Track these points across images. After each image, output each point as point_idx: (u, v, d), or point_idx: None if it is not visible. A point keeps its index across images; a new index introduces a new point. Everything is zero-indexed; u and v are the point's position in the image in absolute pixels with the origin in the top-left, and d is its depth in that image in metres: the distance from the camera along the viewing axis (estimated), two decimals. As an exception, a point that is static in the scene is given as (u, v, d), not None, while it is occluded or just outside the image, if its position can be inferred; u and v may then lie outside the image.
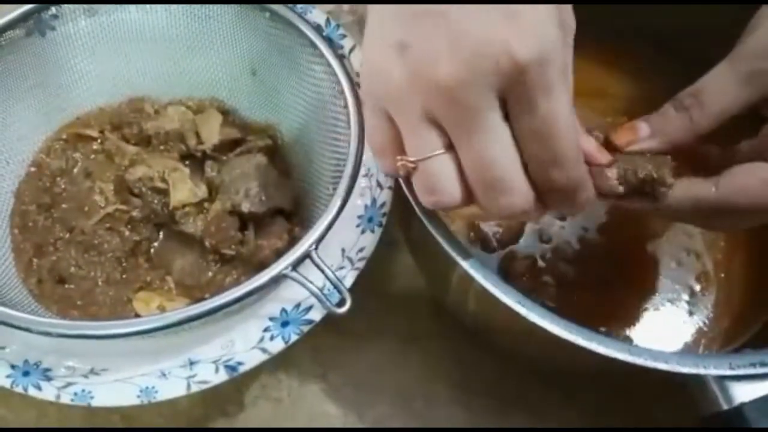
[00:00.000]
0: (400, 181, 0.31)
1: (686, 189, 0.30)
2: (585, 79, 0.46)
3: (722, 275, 0.41)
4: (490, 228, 0.41)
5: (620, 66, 0.46)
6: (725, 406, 0.29)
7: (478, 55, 0.25)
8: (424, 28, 0.26)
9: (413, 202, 0.30)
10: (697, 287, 0.41)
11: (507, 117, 0.26)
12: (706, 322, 0.40)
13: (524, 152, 0.27)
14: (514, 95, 0.25)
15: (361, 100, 0.29)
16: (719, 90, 0.31)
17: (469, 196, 0.28)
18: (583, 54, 0.46)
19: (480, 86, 0.25)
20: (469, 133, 0.26)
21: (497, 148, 0.26)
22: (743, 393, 0.29)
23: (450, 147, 0.27)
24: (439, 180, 0.27)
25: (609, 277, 0.41)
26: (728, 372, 0.29)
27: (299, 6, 0.42)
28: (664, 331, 0.40)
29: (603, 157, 0.30)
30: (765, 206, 0.29)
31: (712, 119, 0.31)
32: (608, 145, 0.32)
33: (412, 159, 0.27)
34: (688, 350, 0.40)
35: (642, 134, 0.32)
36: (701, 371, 0.29)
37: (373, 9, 0.28)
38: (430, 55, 0.25)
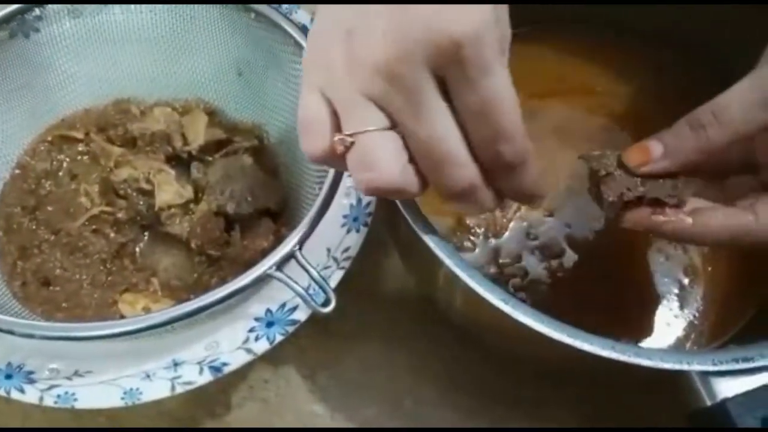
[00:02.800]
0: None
1: (725, 221, 0.30)
2: (574, 77, 0.47)
3: (709, 269, 0.41)
4: (475, 223, 0.41)
5: (608, 63, 0.46)
6: (709, 402, 0.29)
7: (413, 33, 0.25)
8: (367, 15, 0.26)
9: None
10: (686, 280, 0.41)
11: (447, 96, 0.26)
12: (696, 315, 0.40)
13: (468, 130, 0.27)
14: (452, 73, 0.25)
15: (301, 87, 0.28)
16: (741, 110, 0.30)
17: (411, 178, 0.27)
18: (571, 52, 0.46)
19: (416, 63, 0.25)
20: (411, 111, 0.26)
21: (442, 123, 0.26)
22: (726, 388, 0.29)
23: (390, 128, 0.26)
24: (376, 154, 0.26)
25: (598, 273, 0.41)
26: (711, 368, 0.29)
27: (284, 6, 0.42)
28: (657, 324, 0.40)
29: None
30: None
31: (728, 139, 0.30)
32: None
33: (349, 132, 0.27)
34: (681, 344, 0.40)
35: (655, 155, 0.31)
36: (684, 367, 0.29)
37: (321, 6, 0.28)
38: (370, 37, 0.26)
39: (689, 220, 0.30)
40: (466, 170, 0.27)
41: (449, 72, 0.25)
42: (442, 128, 0.26)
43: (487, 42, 0.25)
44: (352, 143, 0.27)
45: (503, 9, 0.27)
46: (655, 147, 0.31)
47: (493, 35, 0.25)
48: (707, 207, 0.31)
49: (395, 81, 0.25)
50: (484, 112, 0.26)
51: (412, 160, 0.27)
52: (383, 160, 0.26)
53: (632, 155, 0.31)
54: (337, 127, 0.27)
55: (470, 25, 0.24)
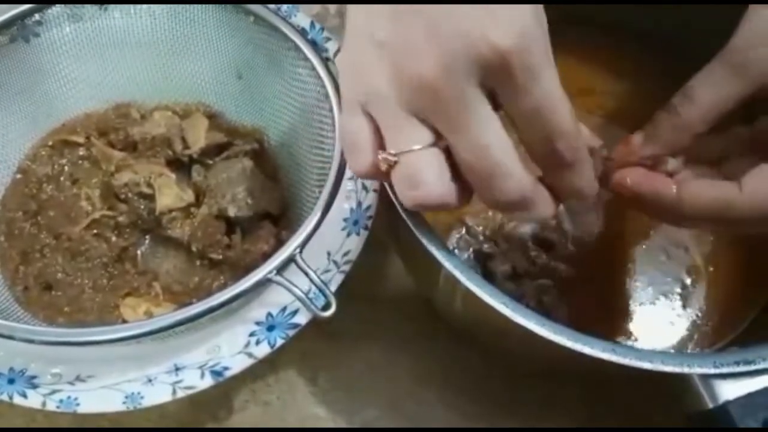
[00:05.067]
0: (386, 185, 0.30)
1: (710, 192, 0.29)
2: (572, 77, 0.46)
3: (711, 269, 0.41)
4: (474, 223, 0.41)
5: (607, 63, 0.46)
6: (710, 405, 0.29)
7: (458, 46, 0.24)
8: (400, 24, 0.26)
9: (396, 203, 0.30)
10: (688, 280, 0.41)
11: (494, 104, 0.26)
12: (699, 315, 0.40)
13: (524, 133, 0.26)
14: (502, 83, 0.25)
15: (341, 99, 0.28)
16: (709, 84, 0.31)
17: (454, 193, 0.27)
18: (570, 52, 0.46)
19: (462, 77, 0.25)
20: (458, 125, 0.25)
21: (491, 135, 0.26)
22: (728, 391, 0.29)
23: (435, 143, 0.26)
24: (423, 173, 0.26)
25: (599, 272, 0.41)
26: (712, 370, 0.29)
27: (284, 8, 0.43)
28: (660, 324, 0.40)
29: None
30: None
31: (704, 115, 0.31)
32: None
33: (393, 152, 0.26)
34: (684, 343, 0.40)
35: (635, 143, 0.32)
36: (685, 370, 0.29)
37: (351, 9, 0.28)
38: (410, 50, 0.25)
39: (673, 187, 0.30)
40: (517, 181, 0.26)
41: (498, 82, 0.25)
42: (492, 140, 0.26)
43: (533, 48, 0.25)
44: (396, 162, 0.26)
45: (545, 21, 0.26)
46: (635, 137, 0.32)
47: (538, 38, 0.25)
48: (694, 177, 0.31)
49: (441, 96, 0.25)
50: (539, 114, 0.26)
51: (456, 174, 0.27)
52: (429, 177, 0.26)
53: (618, 150, 0.32)
54: (381, 144, 0.27)
55: (514, 34, 0.24)
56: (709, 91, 0.31)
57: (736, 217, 0.29)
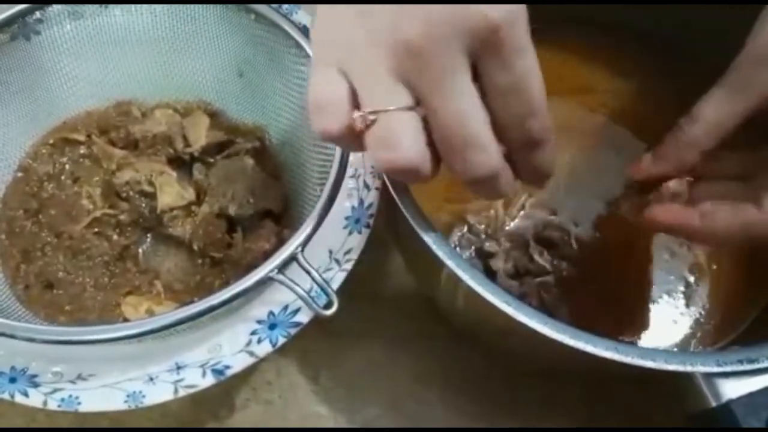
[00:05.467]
0: (385, 178, 0.29)
1: (732, 215, 0.31)
2: (574, 76, 0.46)
3: (714, 267, 0.41)
4: (476, 221, 0.41)
5: (608, 63, 0.46)
6: (713, 403, 0.29)
7: (451, 14, 0.25)
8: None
9: (387, 180, 0.30)
10: (691, 278, 0.41)
11: (475, 76, 0.26)
12: (703, 313, 0.40)
13: (496, 110, 0.26)
14: (488, 54, 0.25)
15: (312, 62, 0.28)
16: (713, 102, 0.32)
17: (428, 160, 0.26)
18: (572, 51, 0.46)
19: (451, 44, 0.25)
20: (441, 91, 0.25)
21: (471, 105, 0.26)
22: (731, 389, 0.29)
23: (413, 107, 0.26)
24: (399, 135, 0.26)
25: (601, 271, 0.41)
26: (715, 369, 0.29)
27: (285, 7, 0.42)
28: (663, 322, 0.40)
29: None
30: None
31: (709, 132, 0.32)
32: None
33: (371, 110, 0.26)
34: (687, 341, 0.40)
35: (645, 163, 0.34)
36: (688, 368, 0.29)
37: None
38: (400, 14, 0.25)
39: (697, 220, 0.32)
40: (489, 154, 0.26)
41: (484, 53, 0.25)
42: (470, 109, 0.26)
43: (521, 24, 0.25)
44: (373, 121, 0.26)
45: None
46: (645, 157, 0.35)
47: (524, 17, 0.26)
48: (714, 205, 0.32)
49: (426, 60, 0.25)
50: (517, 90, 0.26)
51: (430, 142, 0.26)
52: (405, 139, 0.26)
53: (631, 169, 0.35)
54: (356, 105, 0.26)
55: (506, 8, 0.25)
56: (713, 109, 0.32)
57: (758, 235, 0.31)
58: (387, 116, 0.26)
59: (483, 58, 0.26)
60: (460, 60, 0.25)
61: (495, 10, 0.25)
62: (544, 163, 0.29)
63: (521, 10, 0.25)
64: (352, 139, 0.27)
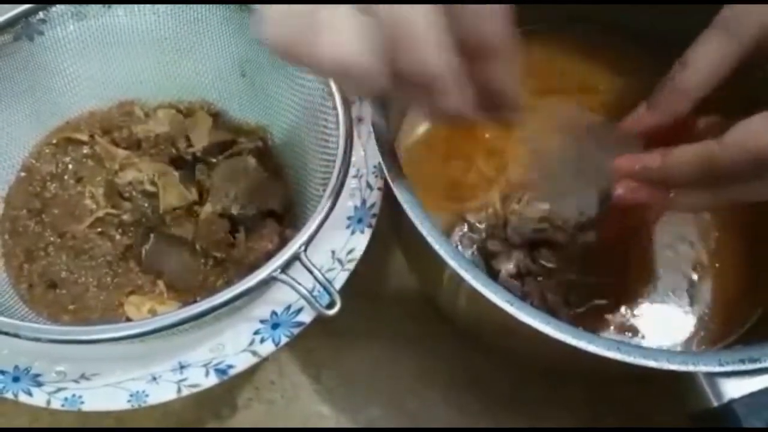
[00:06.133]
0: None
1: (691, 150, 0.30)
2: (574, 75, 0.46)
3: (717, 265, 0.41)
4: (477, 219, 0.41)
5: (609, 62, 0.46)
6: (715, 403, 0.29)
7: None
8: None
9: None
10: (695, 276, 0.41)
11: None
12: (707, 311, 0.40)
13: (458, 15, 0.25)
14: None
15: None
16: (703, 49, 0.32)
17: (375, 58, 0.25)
18: (572, 50, 0.46)
19: None
20: None
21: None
22: (733, 389, 0.29)
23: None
24: (341, 34, 0.25)
25: (602, 268, 0.41)
26: (717, 368, 0.29)
27: (287, 7, 0.42)
28: (667, 321, 0.40)
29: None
30: None
31: (700, 80, 0.32)
32: None
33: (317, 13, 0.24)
34: (691, 340, 0.40)
35: (640, 111, 0.34)
36: (690, 368, 0.29)
37: None
38: None
39: (658, 159, 0.32)
40: (438, 52, 0.25)
41: None
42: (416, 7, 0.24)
43: None
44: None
45: None
46: (640, 105, 0.35)
47: None
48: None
49: None
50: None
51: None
52: (348, 34, 0.25)
53: (624, 123, 0.35)
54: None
55: None
56: (704, 56, 0.32)
57: (717, 167, 0.30)
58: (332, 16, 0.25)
59: None
60: None
61: None
62: (503, 80, 0.27)
63: None
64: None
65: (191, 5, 0.42)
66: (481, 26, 0.26)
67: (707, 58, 0.32)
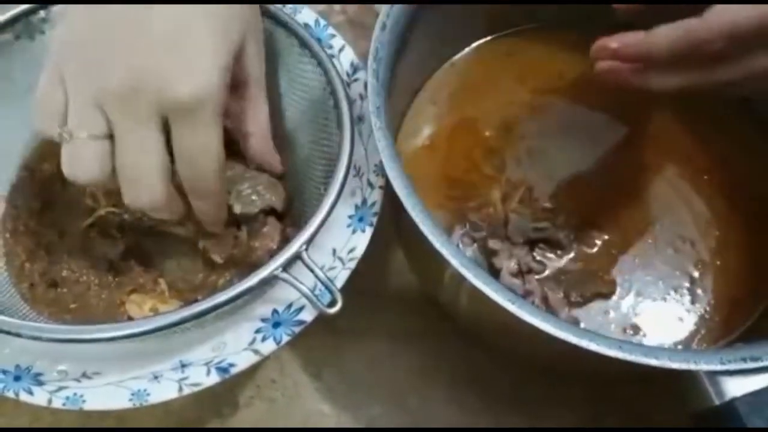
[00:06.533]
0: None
1: (674, 25, 0.31)
2: (574, 74, 0.46)
3: (718, 263, 0.41)
4: (478, 218, 0.41)
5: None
6: (717, 401, 0.29)
7: (143, 82, 0.30)
8: (105, 31, 0.31)
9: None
10: (696, 273, 0.41)
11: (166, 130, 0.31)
12: (708, 309, 0.40)
13: (177, 164, 0.32)
14: (174, 120, 0.31)
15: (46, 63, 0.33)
16: None
17: (110, 179, 0.32)
18: (572, 49, 0.46)
19: (144, 103, 0.30)
20: (128, 133, 0.31)
21: (147, 152, 0.31)
22: (735, 387, 0.29)
23: (108, 136, 0.31)
24: (83, 160, 0.31)
25: (603, 267, 0.41)
26: (719, 367, 0.29)
27: (288, 6, 0.42)
28: (669, 319, 0.40)
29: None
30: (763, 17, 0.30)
31: None
32: None
33: (70, 133, 0.31)
34: (691, 338, 0.40)
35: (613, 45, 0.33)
36: (692, 367, 0.29)
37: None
38: (105, 58, 0.31)
39: (640, 33, 0.32)
40: (154, 191, 0.32)
41: (172, 118, 0.31)
42: (145, 155, 0.31)
43: (208, 107, 0.31)
44: (69, 140, 0.31)
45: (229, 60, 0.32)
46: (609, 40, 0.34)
47: (216, 97, 0.31)
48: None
49: (126, 107, 0.30)
50: (193, 157, 0.32)
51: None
52: (86, 166, 0.32)
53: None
54: (65, 117, 0.32)
55: (196, 90, 0.30)
56: None
57: (698, 41, 0.31)
58: (78, 142, 0.31)
59: (171, 121, 0.31)
60: (149, 114, 0.30)
61: (185, 88, 0.30)
62: (206, 213, 0.35)
63: (212, 91, 0.30)
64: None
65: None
66: (195, 183, 0.33)
67: None
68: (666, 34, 0.32)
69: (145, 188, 0.32)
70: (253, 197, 0.40)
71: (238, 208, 0.40)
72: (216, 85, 0.31)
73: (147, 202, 0.32)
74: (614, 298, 0.40)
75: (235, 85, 0.35)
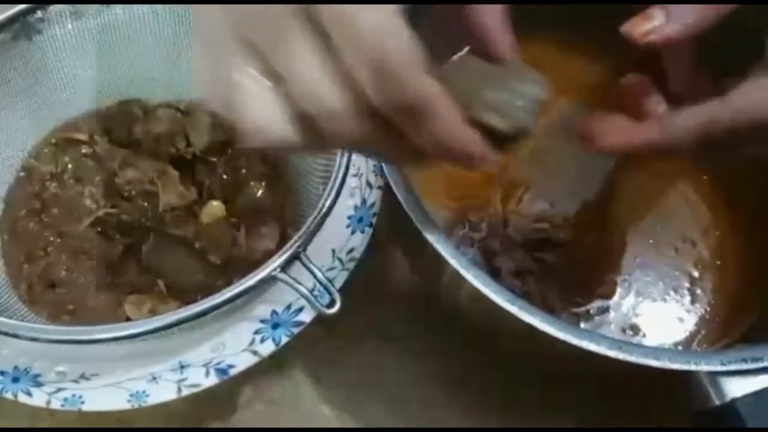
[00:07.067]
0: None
1: (693, 112, 0.29)
2: (576, 75, 0.46)
3: (718, 263, 0.41)
4: (478, 218, 0.41)
5: (610, 62, 0.46)
6: (717, 402, 0.29)
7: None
8: None
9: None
10: (696, 273, 0.41)
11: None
12: (708, 309, 0.40)
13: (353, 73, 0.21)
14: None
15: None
16: None
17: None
18: (574, 50, 0.46)
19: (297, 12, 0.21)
20: (280, 50, 0.22)
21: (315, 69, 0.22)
22: (735, 388, 0.29)
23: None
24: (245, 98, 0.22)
25: (604, 266, 0.41)
26: (720, 368, 0.29)
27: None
28: (669, 320, 0.40)
29: None
30: None
31: None
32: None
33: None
34: (691, 339, 0.40)
35: (658, 21, 0.29)
36: (693, 367, 0.29)
37: None
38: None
39: (655, 126, 0.30)
40: (341, 118, 0.22)
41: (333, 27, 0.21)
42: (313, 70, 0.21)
43: None
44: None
45: None
46: (656, 14, 0.30)
47: None
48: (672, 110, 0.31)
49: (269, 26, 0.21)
50: (373, 47, 0.21)
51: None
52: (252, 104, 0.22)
53: (635, 23, 0.30)
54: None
55: None
56: None
57: (723, 129, 0.28)
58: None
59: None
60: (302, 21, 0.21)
61: None
62: (442, 139, 0.23)
63: None
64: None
65: (189, 5, 0.42)
66: (395, 84, 0.21)
67: None
68: (686, 128, 0.29)
69: (334, 119, 0.22)
70: (518, 102, 0.26)
71: (496, 121, 0.25)
72: None
73: (350, 136, 0.22)
74: (614, 298, 0.40)
75: None
